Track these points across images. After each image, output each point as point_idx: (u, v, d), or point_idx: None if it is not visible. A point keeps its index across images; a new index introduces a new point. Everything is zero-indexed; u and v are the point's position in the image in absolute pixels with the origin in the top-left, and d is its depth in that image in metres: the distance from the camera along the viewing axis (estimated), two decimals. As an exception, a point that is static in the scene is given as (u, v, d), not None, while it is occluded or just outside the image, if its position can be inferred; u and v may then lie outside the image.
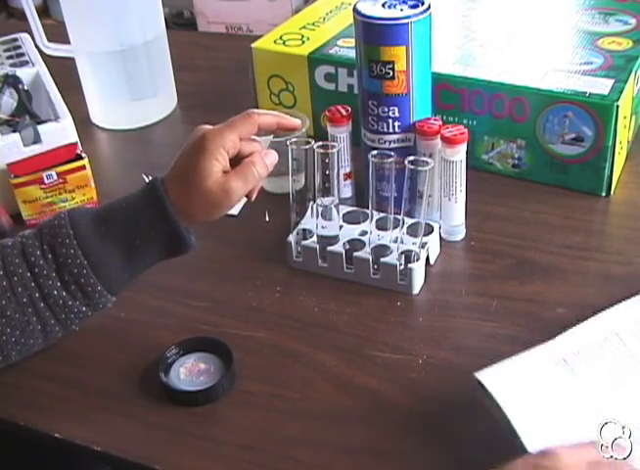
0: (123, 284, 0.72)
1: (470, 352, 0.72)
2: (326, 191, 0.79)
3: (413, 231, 0.78)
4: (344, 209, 0.85)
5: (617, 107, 0.83)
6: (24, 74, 1.07)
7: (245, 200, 0.94)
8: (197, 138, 0.70)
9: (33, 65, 1.10)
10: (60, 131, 0.94)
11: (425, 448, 0.64)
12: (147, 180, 0.95)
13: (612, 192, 0.90)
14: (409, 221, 0.79)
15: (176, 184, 0.70)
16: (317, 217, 0.81)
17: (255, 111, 0.72)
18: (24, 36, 1.21)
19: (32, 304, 0.67)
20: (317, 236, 0.82)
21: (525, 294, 0.77)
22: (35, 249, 0.67)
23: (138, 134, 1.10)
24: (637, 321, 0.67)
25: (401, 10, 0.77)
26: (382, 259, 0.78)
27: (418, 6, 0.77)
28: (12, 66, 1.11)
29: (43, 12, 1.45)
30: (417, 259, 0.78)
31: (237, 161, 0.72)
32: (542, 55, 0.95)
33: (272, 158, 0.74)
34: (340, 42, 1.01)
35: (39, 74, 1.08)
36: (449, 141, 0.79)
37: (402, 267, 0.78)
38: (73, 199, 0.93)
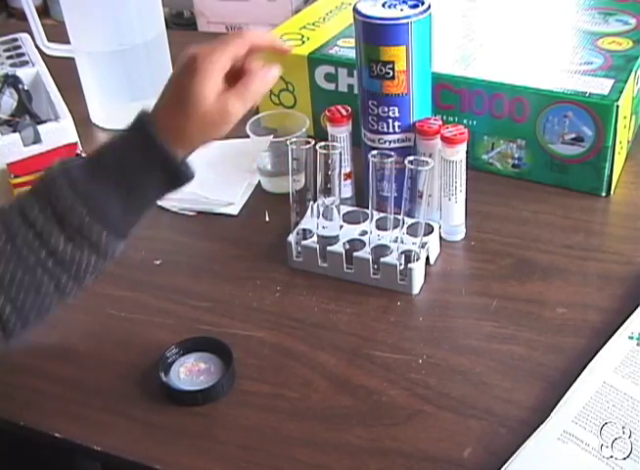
0: (129, 225, 0.68)
1: (470, 352, 0.72)
2: (327, 191, 0.79)
3: (413, 231, 0.78)
4: (345, 209, 0.85)
5: (617, 107, 0.83)
6: (24, 74, 1.08)
7: (245, 200, 0.94)
8: (186, 59, 0.65)
9: (33, 65, 1.10)
10: (60, 131, 0.94)
11: (425, 448, 0.64)
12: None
13: (612, 192, 0.90)
14: (409, 221, 0.79)
15: (168, 112, 0.65)
16: (317, 217, 0.81)
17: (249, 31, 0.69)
18: (24, 36, 1.21)
19: (41, 263, 0.64)
20: (317, 236, 0.82)
21: (526, 294, 0.77)
22: (33, 207, 0.64)
23: (138, 134, 1.10)
24: (620, 361, 0.67)
25: (401, 10, 0.77)
26: (382, 259, 0.78)
27: (418, 6, 0.77)
28: (12, 66, 1.11)
29: (43, 12, 1.45)
30: (417, 259, 0.78)
31: (233, 78, 0.66)
32: (542, 55, 0.95)
33: (274, 72, 0.68)
34: (340, 42, 1.01)
35: (39, 74, 1.08)
36: (449, 141, 0.79)
37: (402, 267, 0.78)
38: (73, 199, 0.93)
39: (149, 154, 0.65)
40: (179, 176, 0.67)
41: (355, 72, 0.90)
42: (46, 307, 0.67)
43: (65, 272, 0.66)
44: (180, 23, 1.43)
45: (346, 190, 0.89)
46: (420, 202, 0.76)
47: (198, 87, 0.64)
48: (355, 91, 0.92)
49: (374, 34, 0.78)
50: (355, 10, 0.79)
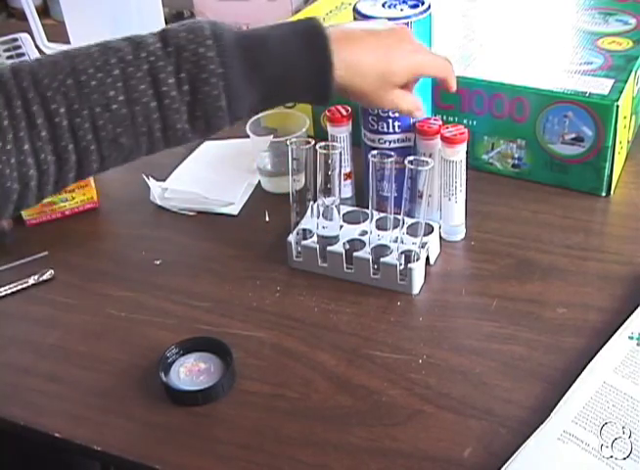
0: (249, 116, 0.67)
1: (470, 352, 0.72)
2: (327, 191, 0.79)
3: (413, 231, 0.78)
4: (345, 209, 0.85)
5: (617, 107, 0.83)
6: (25, 74, 1.07)
7: (245, 200, 0.94)
8: (404, 33, 0.71)
9: (33, 65, 1.10)
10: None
11: (425, 448, 0.64)
12: (147, 180, 0.95)
13: (612, 192, 0.90)
14: (409, 221, 0.79)
15: (346, 43, 0.66)
16: (317, 217, 0.81)
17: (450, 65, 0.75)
18: (24, 36, 1.21)
19: (150, 133, 0.61)
20: (317, 236, 0.82)
21: (525, 294, 0.77)
22: (168, 75, 0.59)
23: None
24: (620, 361, 0.67)
25: (401, 10, 0.77)
26: (382, 259, 0.78)
27: (418, 6, 0.77)
28: (12, 66, 1.11)
29: (43, 12, 1.45)
30: (417, 259, 0.78)
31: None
32: (542, 55, 0.95)
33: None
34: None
35: (39, 74, 1.07)
36: (449, 141, 0.78)
37: (402, 267, 0.78)
38: (73, 199, 0.93)
39: (314, 86, 0.65)
40: (327, 91, 0.66)
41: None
42: (124, 162, 0.63)
43: (165, 144, 0.63)
44: (180, 23, 1.44)
45: (346, 190, 0.89)
46: (420, 202, 0.76)
47: (401, 55, 0.69)
48: (355, 91, 0.92)
49: (374, 34, 0.77)
50: (355, 10, 0.79)
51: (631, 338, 0.69)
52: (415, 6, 0.77)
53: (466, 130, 0.79)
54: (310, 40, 0.65)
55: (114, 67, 0.59)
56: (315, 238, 0.82)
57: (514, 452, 0.61)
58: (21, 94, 0.57)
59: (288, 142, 0.80)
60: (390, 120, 0.81)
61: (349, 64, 0.66)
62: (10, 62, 1.11)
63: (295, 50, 0.64)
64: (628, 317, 0.71)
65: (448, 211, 0.83)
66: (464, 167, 0.80)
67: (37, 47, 1.19)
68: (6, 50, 1.17)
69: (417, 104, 0.74)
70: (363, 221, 0.83)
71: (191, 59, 0.60)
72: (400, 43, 0.71)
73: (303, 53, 0.64)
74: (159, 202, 0.94)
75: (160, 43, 0.60)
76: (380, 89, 0.70)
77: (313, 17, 0.67)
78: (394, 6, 0.78)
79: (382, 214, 0.78)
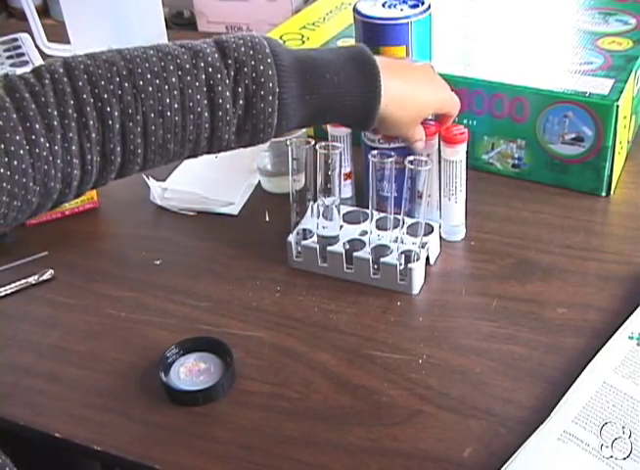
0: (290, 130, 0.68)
1: (470, 352, 0.72)
2: (327, 191, 0.79)
3: (413, 231, 0.78)
4: (345, 209, 0.85)
5: (617, 107, 0.83)
6: (24, 74, 1.07)
7: (245, 200, 0.94)
8: (436, 83, 0.74)
9: (33, 64, 1.10)
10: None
11: (425, 448, 0.64)
12: (147, 180, 0.95)
13: (612, 192, 0.90)
14: (409, 221, 0.79)
15: (392, 90, 0.68)
16: (317, 217, 0.81)
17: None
18: (24, 36, 1.21)
19: (197, 141, 0.61)
20: (317, 236, 0.82)
21: (526, 294, 0.77)
22: (225, 88, 0.59)
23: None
24: (620, 361, 0.67)
25: (401, 10, 0.77)
26: (382, 259, 0.78)
27: (418, 6, 0.77)
28: (12, 66, 1.11)
29: (43, 12, 1.45)
30: (417, 259, 0.78)
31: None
32: (542, 55, 0.95)
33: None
34: (340, 42, 1.01)
35: (39, 74, 1.07)
36: (449, 141, 0.78)
37: (402, 267, 0.78)
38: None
39: (362, 114, 0.67)
40: (370, 119, 0.68)
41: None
42: (165, 156, 0.62)
43: (207, 151, 0.64)
44: (180, 22, 1.43)
45: (346, 190, 0.89)
46: (420, 202, 0.76)
47: (434, 90, 0.74)
48: (355, 91, 0.92)
49: (374, 34, 0.78)
50: (355, 10, 0.79)
51: (631, 338, 0.69)
52: (415, 6, 0.77)
53: (466, 130, 0.79)
54: (364, 68, 0.66)
55: (172, 74, 0.59)
56: (315, 238, 0.82)
57: (514, 452, 0.61)
58: (74, 94, 0.56)
59: (288, 142, 0.80)
60: (390, 120, 0.80)
61: (395, 96, 0.69)
62: (10, 62, 1.12)
63: (348, 76, 0.65)
64: (628, 317, 0.71)
65: (448, 211, 0.83)
66: (464, 167, 0.80)
67: (37, 47, 1.19)
68: (6, 50, 1.17)
69: (423, 136, 0.77)
70: (363, 221, 0.83)
71: (250, 75, 0.60)
72: (433, 79, 0.74)
73: (357, 80, 0.66)
74: (159, 202, 0.94)
75: (218, 54, 0.60)
76: (414, 122, 0.73)
77: (361, 44, 0.69)
78: (394, 6, 0.78)
79: (382, 214, 0.78)
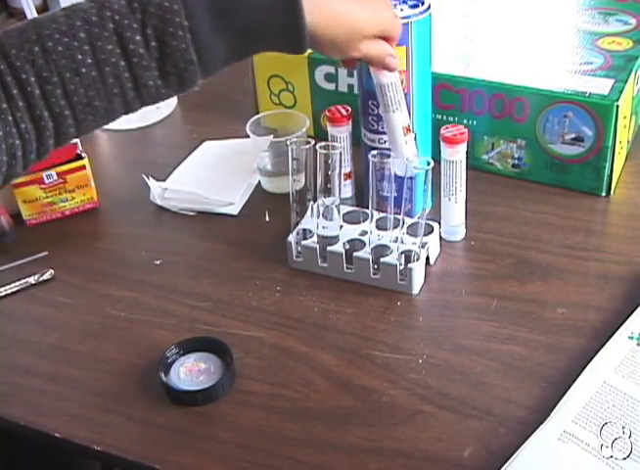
0: (221, 68, 0.65)
1: (470, 352, 0.72)
2: (327, 191, 0.79)
3: (413, 231, 0.78)
4: (345, 209, 0.85)
5: (617, 107, 0.83)
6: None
7: (245, 200, 0.94)
8: (375, 1, 0.69)
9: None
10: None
11: (425, 448, 0.64)
12: (147, 180, 0.95)
13: (612, 192, 0.90)
14: (409, 221, 0.80)
15: (318, 2, 0.64)
16: (317, 217, 0.81)
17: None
18: (24, 36, 1.21)
19: (123, 93, 0.60)
20: (317, 236, 0.82)
21: (526, 294, 0.77)
22: (134, 33, 0.58)
23: (138, 134, 1.10)
24: (620, 361, 0.67)
25: (401, 10, 0.77)
26: (382, 259, 0.78)
27: (418, 6, 0.77)
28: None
29: (43, 11, 1.45)
30: (417, 259, 0.78)
31: None
32: (542, 55, 0.95)
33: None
34: (340, 42, 1.01)
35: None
36: (449, 141, 0.78)
37: (402, 267, 0.78)
38: (73, 199, 0.93)
39: (285, 31, 0.63)
40: (299, 37, 0.64)
41: (355, 73, 0.90)
42: (102, 125, 0.62)
43: (141, 103, 0.62)
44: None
45: (346, 190, 0.89)
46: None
47: (371, 7, 0.68)
48: (355, 91, 0.92)
49: (374, 34, 0.77)
50: (355, 10, 0.78)
51: (631, 338, 0.69)
52: (415, 6, 0.77)
53: (466, 130, 0.79)
54: None
55: (80, 29, 0.58)
56: (315, 238, 0.82)
57: (514, 452, 0.61)
58: None
59: (288, 142, 0.80)
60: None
61: (324, 10, 0.65)
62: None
63: (268, 11, 0.62)
64: (628, 317, 0.71)
65: (448, 211, 0.83)
66: (464, 167, 0.80)
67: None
68: (6, 50, 1.17)
69: (388, 50, 0.71)
70: (363, 221, 0.83)
71: (156, 14, 0.59)
72: None
73: (277, 16, 0.63)
74: (159, 202, 0.94)
75: (124, 0, 0.59)
76: (349, 39, 0.68)
77: None
78: (394, 6, 0.78)
79: (382, 214, 0.78)
